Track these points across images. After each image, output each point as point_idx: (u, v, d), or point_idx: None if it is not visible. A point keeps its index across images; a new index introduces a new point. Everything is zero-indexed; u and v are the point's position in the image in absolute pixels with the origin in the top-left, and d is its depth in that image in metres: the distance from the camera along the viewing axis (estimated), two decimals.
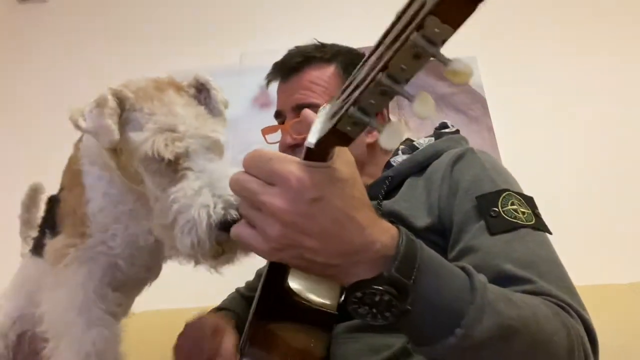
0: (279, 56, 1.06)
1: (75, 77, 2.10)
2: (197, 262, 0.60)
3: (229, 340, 0.81)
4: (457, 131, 1.00)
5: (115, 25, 2.24)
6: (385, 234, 0.47)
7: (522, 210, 0.72)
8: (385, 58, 0.33)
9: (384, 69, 0.34)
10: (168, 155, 0.60)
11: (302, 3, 2.16)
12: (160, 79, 0.69)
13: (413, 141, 0.98)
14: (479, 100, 1.90)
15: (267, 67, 1.06)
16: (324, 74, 0.99)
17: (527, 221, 0.70)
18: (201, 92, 0.71)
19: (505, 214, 0.70)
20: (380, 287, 0.45)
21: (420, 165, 0.89)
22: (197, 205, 0.57)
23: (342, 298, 0.70)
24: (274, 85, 1.08)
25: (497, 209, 0.71)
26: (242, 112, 1.99)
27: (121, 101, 0.64)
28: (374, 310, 0.46)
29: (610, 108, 1.84)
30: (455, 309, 0.47)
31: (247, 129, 1.95)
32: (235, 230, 0.48)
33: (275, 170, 0.43)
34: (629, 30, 1.97)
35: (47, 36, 2.23)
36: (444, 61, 0.30)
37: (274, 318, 0.67)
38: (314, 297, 0.68)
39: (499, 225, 0.69)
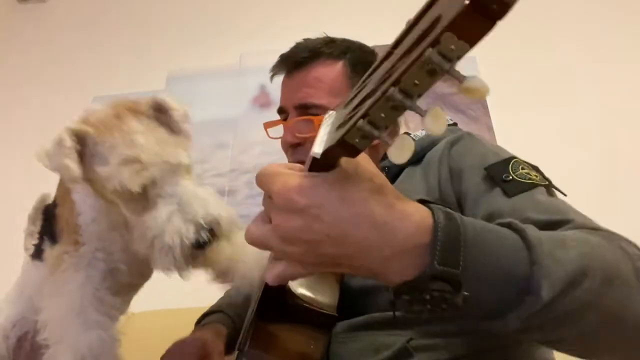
0: (278, 56, 1.03)
1: (75, 77, 2.10)
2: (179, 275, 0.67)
3: None
4: (455, 124, 1.00)
5: (115, 25, 2.23)
6: (408, 218, 0.42)
7: (534, 174, 0.71)
8: (398, 72, 0.32)
9: (396, 83, 0.33)
10: (135, 188, 0.63)
11: (302, 3, 2.15)
12: (118, 104, 0.69)
13: (410, 134, 0.97)
14: (479, 100, 1.90)
15: (268, 67, 1.04)
16: (331, 72, 0.96)
17: (541, 182, 0.69)
18: (161, 110, 0.71)
19: (519, 177, 0.69)
20: (427, 286, 0.41)
21: (417, 155, 0.89)
22: (170, 232, 0.62)
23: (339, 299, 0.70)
24: (273, 86, 1.07)
25: (509, 175, 0.69)
26: (242, 112, 1.98)
27: (83, 139, 0.65)
28: (429, 306, 0.42)
29: (611, 108, 1.84)
30: (518, 276, 0.43)
31: (247, 129, 1.95)
32: (251, 233, 0.46)
33: (271, 187, 0.42)
34: (630, 30, 1.97)
35: (47, 36, 2.23)
36: (459, 78, 0.30)
37: (274, 319, 0.67)
38: (314, 299, 0.68)
39: (515, 188, 0.67)
